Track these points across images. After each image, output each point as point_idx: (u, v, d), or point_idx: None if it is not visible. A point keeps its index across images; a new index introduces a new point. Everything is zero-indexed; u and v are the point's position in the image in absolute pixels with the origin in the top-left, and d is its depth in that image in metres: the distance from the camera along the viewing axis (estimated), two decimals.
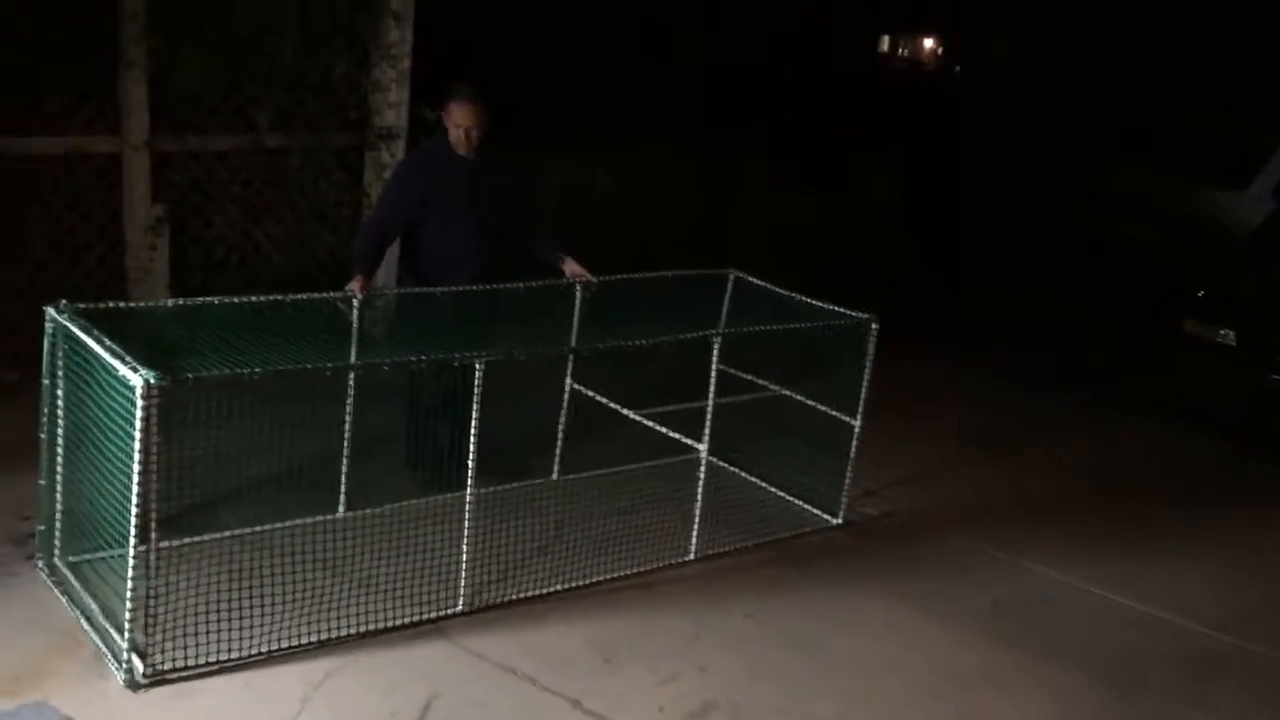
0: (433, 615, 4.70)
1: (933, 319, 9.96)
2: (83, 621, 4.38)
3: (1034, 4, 20.37)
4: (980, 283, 12.05)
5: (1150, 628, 5.44)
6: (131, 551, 3.95)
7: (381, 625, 4.58)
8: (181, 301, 4.86)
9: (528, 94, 11.59)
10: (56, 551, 4.71)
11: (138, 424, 3.83)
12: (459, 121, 5.61)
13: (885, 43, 29.15)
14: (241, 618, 4.35)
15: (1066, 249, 13.68)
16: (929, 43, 30.67)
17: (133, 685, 4.06)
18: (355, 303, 5.25)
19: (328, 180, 7.73)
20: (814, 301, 6.01)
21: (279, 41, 7.17)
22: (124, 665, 4.08)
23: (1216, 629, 5.47)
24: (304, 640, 4.40)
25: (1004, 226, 14.76)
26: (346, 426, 5.35)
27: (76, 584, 4.59)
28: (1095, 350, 9.92)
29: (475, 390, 4.61)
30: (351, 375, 5.29)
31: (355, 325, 5.22)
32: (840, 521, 6.03)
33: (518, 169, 6.05)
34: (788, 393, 6.36)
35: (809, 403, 6.26)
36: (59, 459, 4.58)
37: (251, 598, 4.45)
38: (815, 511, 6.08)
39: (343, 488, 5.41)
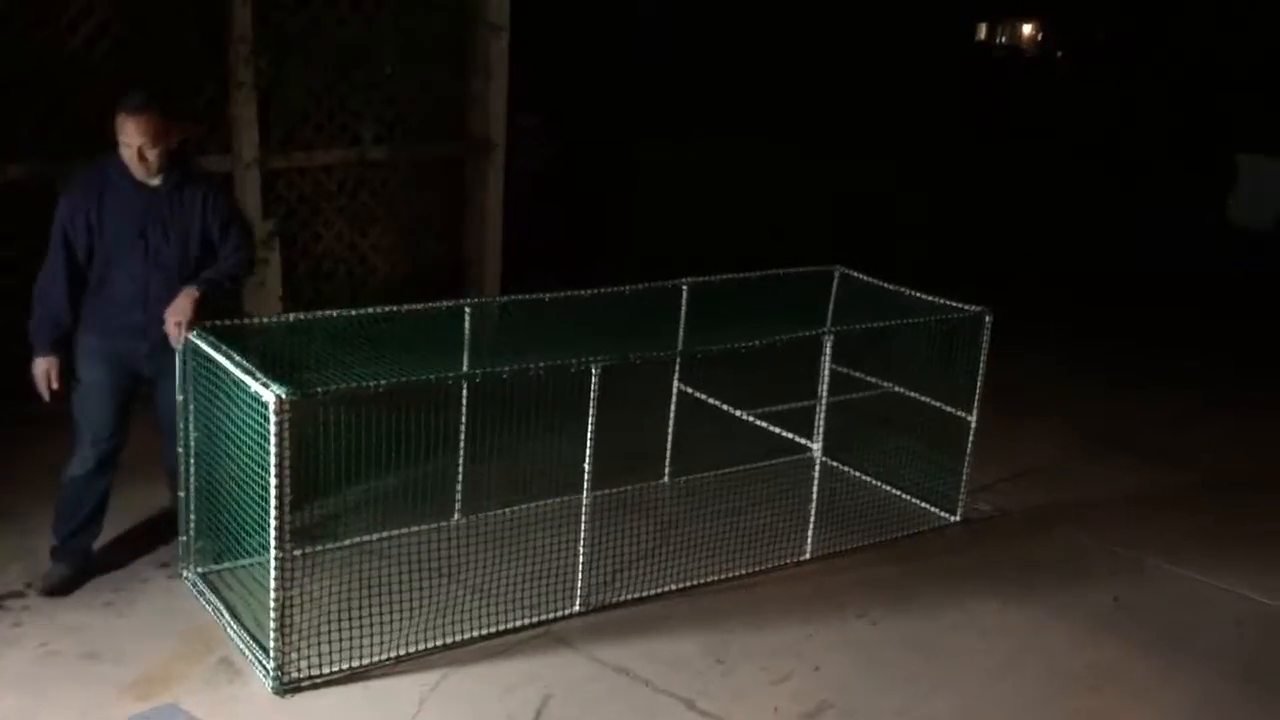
0: (545, 618, 4.73)
1: (1043, 314, 9.75)
2: (227, 628, 4.50)
3: None
4: (1091, 276, 11.79)
5: None
6: (272, 559, 4.05)
7: (495, 629, 4.62)
8: (302, 316, 4.96)
9: (612, 100, 11.74)
10: (189, 560, 4.86)
11: (271, 438, 3.91)
12: (125, 138, 4.45)
13: (983, 30, 28.67)
14: (361, 623, 4.42)
15: (1184, 241, 13.36)
16: (1028, 29, 30.07)
17: (280, 690, 4.15)
18: (467, 312, 5.28)
19: (430, 190, 7.85)
20: (924, 296, 5.92)
21: (380, 55, 7.31)
22: (265, 670, 4.19)
23: None
24: (421, 646, 4.46)
25: (1113, 217, 14.45)
26: (461, 433, 5.41)
27: (207, 591, 4.73)
28: (1221, 348, 9.59)
29: (591, 396, 4.60)
30: (465, 383, 5.35)
31: (467, 334, 5.26)
32: (958, 519, 5.93)
33: (217, 197, 4.76)
34: (900, 389, 6.26)
35: (922, 399, 6.16)
36: (192, 471, 4.72)
37: (372, 604, 4.53)
38: (932, 509, 5.99)
39: (458, 494, 5.47)
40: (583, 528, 4.79)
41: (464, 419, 5.38)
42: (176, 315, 4.51)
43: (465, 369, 5.21)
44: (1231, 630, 5.14)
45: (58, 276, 4.56)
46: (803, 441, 5.38)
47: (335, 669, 4.26)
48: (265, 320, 5.16)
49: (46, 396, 4.61)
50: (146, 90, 4.57)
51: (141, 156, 4.46)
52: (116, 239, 4.56)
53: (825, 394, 5.27)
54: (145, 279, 4.58)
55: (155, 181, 4.56)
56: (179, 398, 4.63)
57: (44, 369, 4.57)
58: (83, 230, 4.54)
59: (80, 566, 4.78)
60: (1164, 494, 6.57)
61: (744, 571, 5.24)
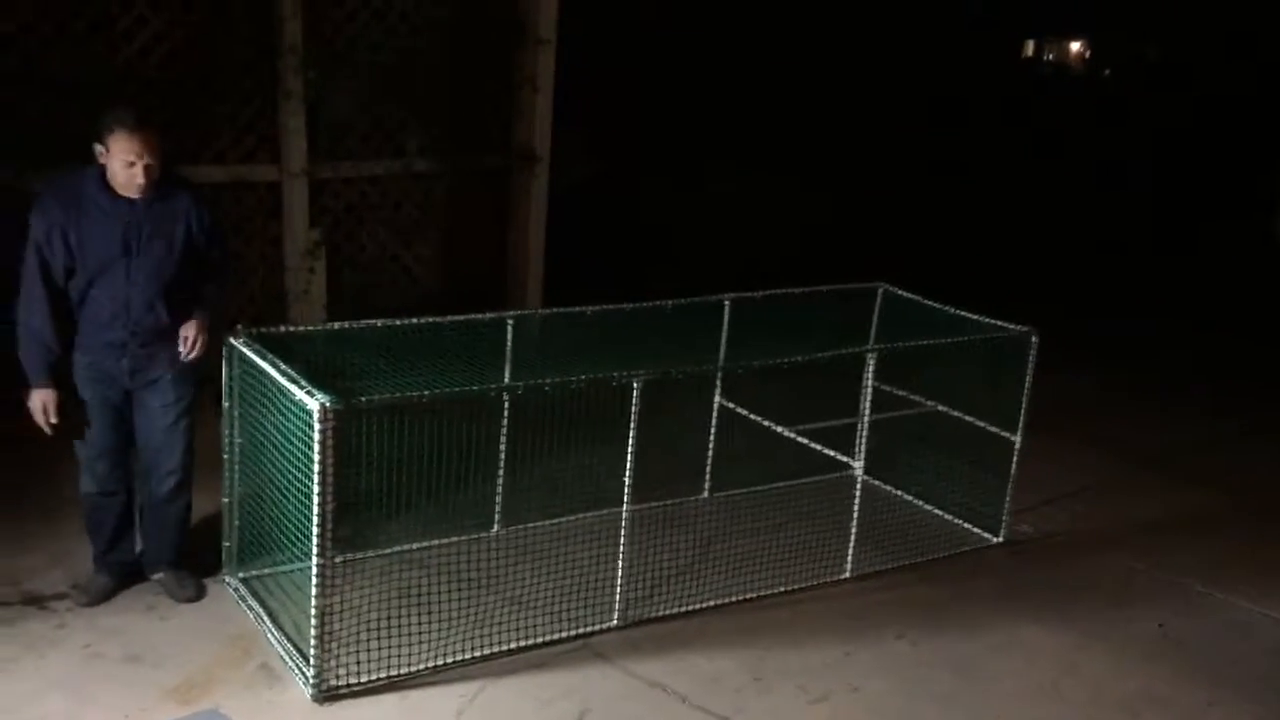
0: (584, 631, 4.73)
1: (1088, 334, 9.64)
2: (267, 634, 4.53)
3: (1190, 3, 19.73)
4: (1141, 297, 11.68)
5: None
6: (314, 566, 4.07)
7: (533, 641, 4.62)
8: (346, 325, 5.00)
9: (660, 121, 11.78)
10: (230, 566, 4.90)
11: (316, 446, 3.93)
12: (129, 156, 4.25)
13: (1029, 47, 28.52)
14: (401, 633, 4.44)
15: (1239, 261, 13.22)
16: (1076, 46, 29.86)
17: (319, 698, 4.17)
18: (510, 323, 5.29)
19: (475, 202, 7.89)
20: (968, 314, 5.88)
21: (427, 67, 7.36)
22: (305, 677, 4.21)
23: None
24: (460, 657, 4.47)
25: (1167, 236, 14.32)
26: (502, 444, 5.42)
27: (249, 597, 4.76)
28: (1268, 372, 9.45)
29: (633, 409, 4.60)
30: (506, 395, 5.36)
31: (509, 346, 5.28)
32: (1000, 540, 5.87)
33: (201, 205, 4.60)
34: (943, 408, 6.21)
35: (966, 418, 6.11)
36: (236, 477, 4.76)
37: (410, 613, 4.56)
38: (974, 530, 5.94)
39: (498, 505, 5.49)
40: (622, 541, 4.78)
41: (505, 430, 5.39)
42: (190, 331, 4.49)
43: (507, 381, 5.23)
44: (1276, 659, 5.06)
45: (36, 304, 4.34)
46: (844, 459, 5.36)
47: (374, 677, 4.28)
48: (310, 329, 5.20)
49: (48, 430, 4.41)
50: (134, 106, 4.47)
51: (146, 171, 4.30)
52: (97, 256, 4.36)
53: (867, 411, 5.24)
54: (126, 295, 4.41)
55: (135, 195, 4.37)
56: (224, 404, 4.67)
57: (40, 402, 4.37)
58: (60, 249, 4.33)
59: (121, 577, 4.81)
60: (1209, 518, 6.48)
61: (783, 589, 5.22)
